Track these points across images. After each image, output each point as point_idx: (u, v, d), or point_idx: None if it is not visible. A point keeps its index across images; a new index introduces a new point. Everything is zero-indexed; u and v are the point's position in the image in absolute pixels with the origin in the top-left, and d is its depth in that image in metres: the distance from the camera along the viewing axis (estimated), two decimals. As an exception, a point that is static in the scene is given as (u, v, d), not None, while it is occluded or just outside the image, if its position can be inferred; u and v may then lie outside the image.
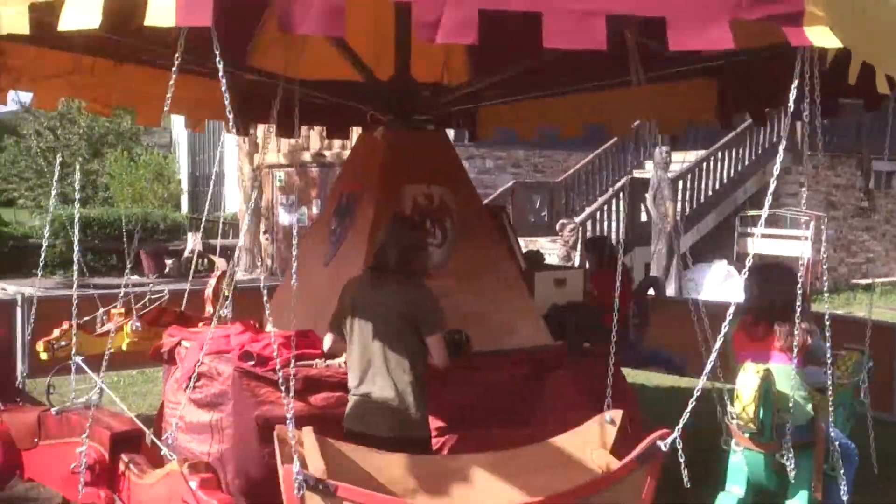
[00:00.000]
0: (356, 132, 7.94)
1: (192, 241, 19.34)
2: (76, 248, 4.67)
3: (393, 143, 5.81)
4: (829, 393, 4.12)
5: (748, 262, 3.63)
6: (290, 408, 3.30)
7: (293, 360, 3.79)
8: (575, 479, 3.59)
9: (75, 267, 4.74)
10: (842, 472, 4.15)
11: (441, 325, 4.35)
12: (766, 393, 4.32)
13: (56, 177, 5.31)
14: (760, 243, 13.85)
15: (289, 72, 5.19)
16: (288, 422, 3.26)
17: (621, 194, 16.55)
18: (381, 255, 4.40)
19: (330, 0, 2.80)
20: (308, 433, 3.57)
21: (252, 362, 4.77)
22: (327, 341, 4.64)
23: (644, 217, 16.43)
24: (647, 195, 15.74)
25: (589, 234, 15.85)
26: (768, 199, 3.46)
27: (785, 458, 4.28)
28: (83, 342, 5.70)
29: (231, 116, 3.27)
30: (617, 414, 4.02)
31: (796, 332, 4.09)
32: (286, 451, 3.23)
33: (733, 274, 15.60)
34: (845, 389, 5.00)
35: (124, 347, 6.47)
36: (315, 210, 18.16)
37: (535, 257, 7.56)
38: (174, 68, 3.17)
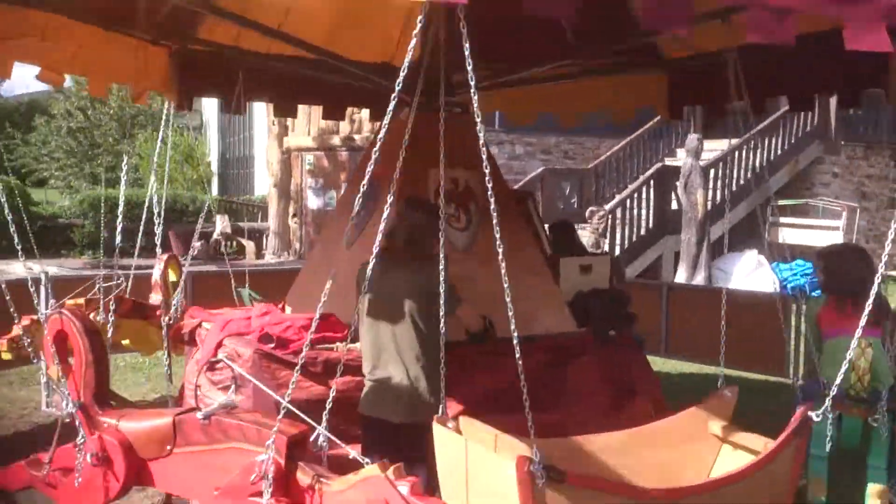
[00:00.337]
0: (365, 116, 8.02)
1: (221, 224, 19.38)
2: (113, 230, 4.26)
3: (419, 125, 5.74)
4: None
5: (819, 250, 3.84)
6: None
7: (307, 344, 3.65)
8: (701, 452, 4.01)
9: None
10: None
11: (457, 296, 4.25)
12: (876, 362, 4.83)
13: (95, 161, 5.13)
14: (791, 233, 13.70)
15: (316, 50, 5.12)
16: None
17: (652, 182, 16.40)
18: (390, 238, 4.30)
19: None
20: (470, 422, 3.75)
21: (272, 344, 4.75)
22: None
23: (675, 205, 16.27)
24: (677, 183, 15.59)
25: (618, 222, 15.74)
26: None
27: (879, 421, 4.70)
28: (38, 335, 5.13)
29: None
30: (733, 389, 4.29)
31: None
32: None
33: (763, 263, 15.40)
34: None
35: None
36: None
37: (563, 227, 7.20)
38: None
